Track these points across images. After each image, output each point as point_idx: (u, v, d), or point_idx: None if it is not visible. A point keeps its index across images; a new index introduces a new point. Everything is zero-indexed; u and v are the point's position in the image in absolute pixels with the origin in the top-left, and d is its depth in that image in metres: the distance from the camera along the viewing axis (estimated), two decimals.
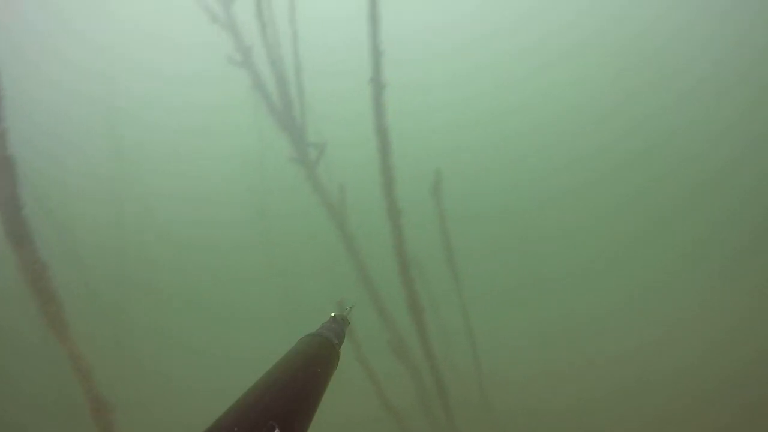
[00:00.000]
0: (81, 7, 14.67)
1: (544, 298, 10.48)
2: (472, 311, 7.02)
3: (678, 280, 10.31)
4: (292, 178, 8.01)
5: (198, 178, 14.68)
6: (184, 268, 12.94)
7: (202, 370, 9.86)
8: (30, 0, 14.59)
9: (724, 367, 7.43)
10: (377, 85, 5.84)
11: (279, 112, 7.26)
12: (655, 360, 8.06)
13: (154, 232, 13.01)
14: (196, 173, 14.91)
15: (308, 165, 7.34)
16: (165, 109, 15.89)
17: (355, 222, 6.56)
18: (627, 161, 13.43)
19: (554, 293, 10.58)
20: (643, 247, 11.66)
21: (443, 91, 15.69)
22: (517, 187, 13.78)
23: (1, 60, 4.27)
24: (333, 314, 1.55)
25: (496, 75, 15.56)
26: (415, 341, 5.92)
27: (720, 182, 12.18)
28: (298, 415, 0.96)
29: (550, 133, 14.37)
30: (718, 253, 10.75)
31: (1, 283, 6.52)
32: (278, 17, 6.68)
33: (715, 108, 13.28)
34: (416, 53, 15.27)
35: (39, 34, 14.69)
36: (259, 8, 6.44)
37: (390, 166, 5.77)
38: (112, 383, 4.64)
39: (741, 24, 13.76)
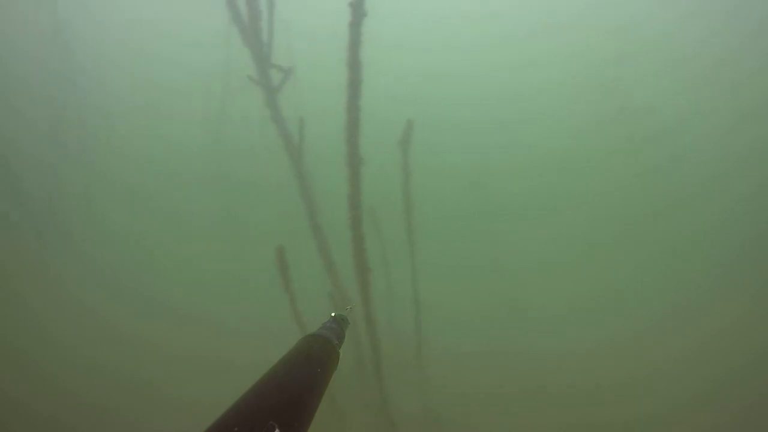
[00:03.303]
0: None
1: (498, 280, 10.17)
2: (422, 278, 6.63)
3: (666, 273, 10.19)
4: (251, 100, 7.19)
5: (154, 83, 13.38)
6: (129, 181, 12.00)
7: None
8: None
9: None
10: (357, 11, 5.03)
11: (244, 24, 6.36)
12: (619, 361, 7.96)
13: (98, 140, 11.88)
14: (154, 77, 13.59)
15: (269, 89, 6.55)
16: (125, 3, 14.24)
17: (311, 161, 5.92)
18: (598, 126, 12.94)
19: (510, 276, 10.28)
20: (627, 230, 11.37)
21: (429, 34, 14.53)
22: (491, 154, 13.22)
23: None
24: (333, 314, 1.54)
25: (493, 26, 14.50)
26: (358, 300, 5.49)
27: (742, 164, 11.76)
28: (298, 415, 0.95)
29: (541, 97, 13.70)
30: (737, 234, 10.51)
31: None
32: None
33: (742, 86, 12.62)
34: None
35: None
36: None
37: (357, 107, 5.09)
38: None
39: None
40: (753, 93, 12.18)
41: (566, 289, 9.95)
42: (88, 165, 11.44)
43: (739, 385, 7.15)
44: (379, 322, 5.57)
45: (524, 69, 14.21)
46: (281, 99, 6.51)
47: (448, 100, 12.97)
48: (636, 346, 8.31)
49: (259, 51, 6.41)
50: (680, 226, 10.80)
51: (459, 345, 8.09)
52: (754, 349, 7.61)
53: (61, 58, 11.42)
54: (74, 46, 11.65)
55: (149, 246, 10.73)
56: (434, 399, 6.93)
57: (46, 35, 11.53)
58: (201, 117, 10.62)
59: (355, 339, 6.35)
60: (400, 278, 6.97)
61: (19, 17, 12.48)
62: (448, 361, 7.68)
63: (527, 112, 13.62)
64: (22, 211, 10.02)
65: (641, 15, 13.60)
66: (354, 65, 5.06)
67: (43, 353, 7.82)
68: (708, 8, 13.46)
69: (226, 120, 10.34)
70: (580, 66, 13.68)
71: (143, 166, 12.25)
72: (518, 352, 8.23)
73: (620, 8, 13.70)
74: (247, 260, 9.27)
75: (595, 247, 11.03)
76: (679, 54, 13.28)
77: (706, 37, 13.25)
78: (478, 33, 14.42)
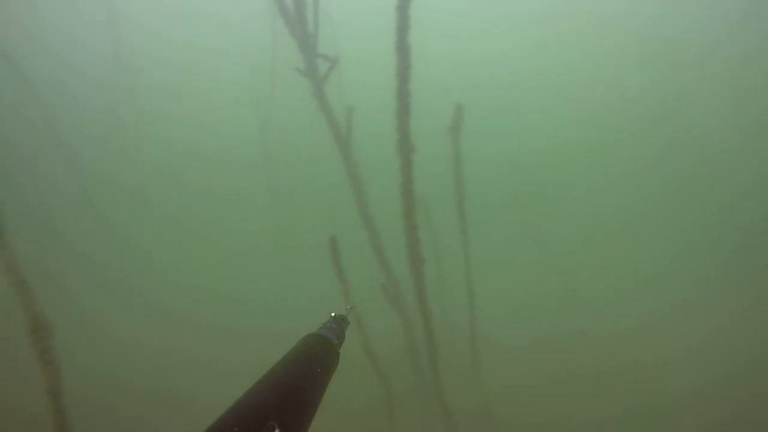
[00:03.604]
0: None
1: (554, 268, 9.78)
2: (475, 269, 6.45)
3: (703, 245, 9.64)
4: (299, 91, 7.20)
5: (201, 75, 13.63)
6: (177, 181, 12.34)
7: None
8: None
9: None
10: None
11: (290, 15, 6.33)
12: (667, 338, 7.61)
13: (149, 138, 12.26)
14: (201, 70, 13.87)
15: (316, 79, 6.51)
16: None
17: (361, 151, 5.83)
18: (660, 112, 12.26)
19: (566, 262, 9.87)
20: (670, 207, 10.82)
21: (479, 16, 14.07)
22: (540, 136, 12.73)
23: None
24: (333, 314, 1.54)
25: (541, 4, 13.83)
26: (411, 291, 5.40)
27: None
28: (298, 415, 0.94)
29: (587, 75, 13.06)
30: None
31: None
32: None
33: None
34: None
35: None
36: None
37: (407, 93, 4.95)
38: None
39: None
40: None
41: (617, 268, 9.54)
42: (142, 160, 11.81)
43: None
44: (433, 312, 5.47)
45: (573, 47, 13.60)
46: (328, 89, 6.48)
47: (497, 84, 12.55)
48: (693, 318, 7.91)
49: (305, 41, 6.38)
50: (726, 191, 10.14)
51: (514, 333, 7.88)
52: None
53: (113, 49, 11.74)
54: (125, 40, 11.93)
55: (200, 238, 11.03)
56: (490, 389, 6.79)
57: (98, 24, 11.92)
58: (249, 111, 10.73)
59: (409, 330, 6.29)
60: (453, 268, 6.82)
61: (69, 4, 12.99)
62: (503, 350, 7.50)
63: (575, 91, 13.05)
64: (87, 206, 10.52)
65: None
66: (402, 50, 4.93)
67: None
68: None
69: (273, 113, 10.41)
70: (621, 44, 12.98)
71: (191, 160, 12.59)
72: (573, 338, 7.95)
73: None
74: (297, 251, 9.37)
75: (644, 221, 10.53)
76: None
77: None
78: (527, 10, 13.87)
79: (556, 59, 13.30)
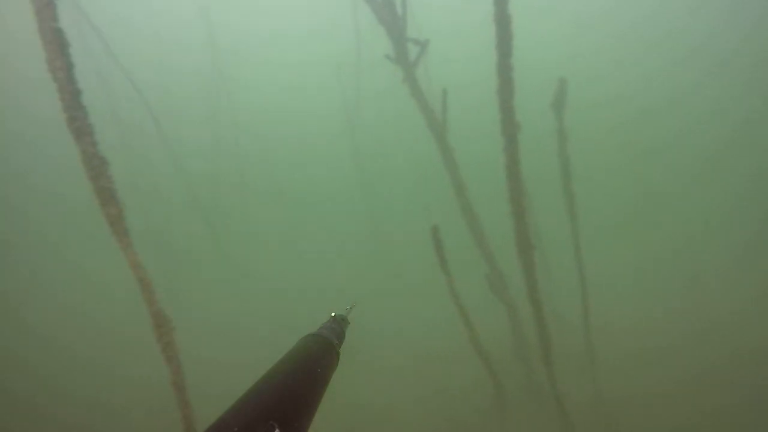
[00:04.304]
0: None
1: (675, 251, 8.74)
2: (586, 254, 5.88)
3: None
4: (388, 79, 7.01)
5: (288, 67, 13.96)
6: (271, 180, 12.73)
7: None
8: None
9: None
10: None
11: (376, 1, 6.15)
12: None
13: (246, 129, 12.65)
14: (288, 64, 14.21)
15: (406, 64, 6.28)
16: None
17: (459, 134, 5.50)
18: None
19: (689, 245, 8.80)
20: None
21: None
22: (647, 108, 11.54)
23: None
24: (333, 314, 1.53)
25: None
26: (519, 281, 5.00)
27: None
28: (298, 415, 0.95)
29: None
30: None
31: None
32: None
33: None
34: None
35: None
36: None
37: (509, 67, 4.54)
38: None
39: None
40: None
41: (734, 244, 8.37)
42: (242, 155, 12.27)
43: None
44: (545, 303, 5.04)
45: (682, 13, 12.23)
46: (419, 73, 6.22)
47: (600, 54, 11.50)
48: None
49: (393, 26, 6.17)
50: None
51: (632, 325, 7.12)
52: None
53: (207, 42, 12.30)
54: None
55: (294, 239, 11.30)
56: (608, 385, 6.19)
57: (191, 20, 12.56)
58: (338, 103, 10.73)
59: (516, 324, 5.91)
60: (561, 255, 6.29)
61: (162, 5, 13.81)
62: (620, 342, 6.81)
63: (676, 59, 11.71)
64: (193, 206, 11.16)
65: None
66: (502, 21, 4.52)
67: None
68: None
69: (362, 102, 10.29)
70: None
71: (283, 152, 12.91)
72: (702, 329, 7.03)
73: None
74: (395, 242, 9.25)
75: None
76: None
77: None
78: None
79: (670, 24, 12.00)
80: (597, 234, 7.32)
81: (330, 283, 9.20)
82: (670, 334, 6.77)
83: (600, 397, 6.09)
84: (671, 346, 6.57)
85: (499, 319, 5.74)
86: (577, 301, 6.13)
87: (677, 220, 9.32)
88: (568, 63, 9.99)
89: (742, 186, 9.92)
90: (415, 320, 7.84)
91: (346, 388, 6.82)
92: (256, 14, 15.24)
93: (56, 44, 3.48)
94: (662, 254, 8.62)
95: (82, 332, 9.13)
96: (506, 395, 5.52)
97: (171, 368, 3.50)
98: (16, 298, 10.43)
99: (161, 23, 14.43)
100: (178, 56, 13.88)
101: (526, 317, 5.37)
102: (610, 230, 8.99)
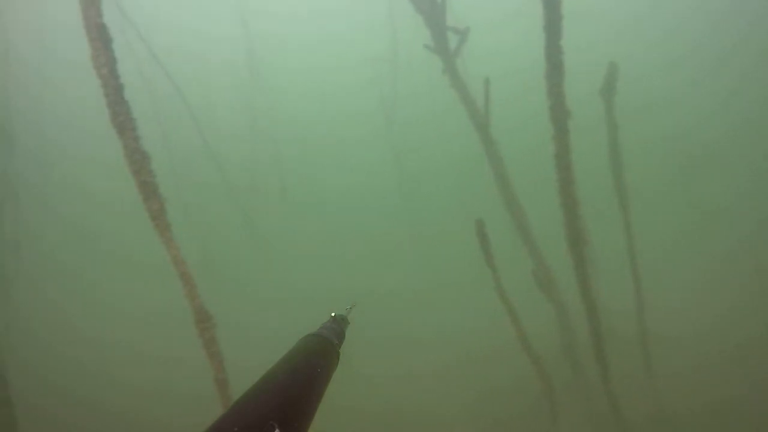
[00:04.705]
0: None
1: (736, 245, 8.14)
2: (639, 248, 5.54)
3: None
4: (426, 74, 6.82)
5: (325, 71, 13.94)
6: (311, 185, 12.69)
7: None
8: None
9: None
10: None
11: None
12: None
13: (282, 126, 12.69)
14: (324, 68, 14.20)
15: (446, 54, 6.09)
16: None
17: (503, 125, 5.26)
18: None
19: (748, 238, 8.17)
20: None
21: None
22: (698, 97, 10.89)
23: None
24: (333, 314, 1.53)
25: None
26: (569, 278, 4.74)
27: None
28: (298, 415, 0.95)
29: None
30: None
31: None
32: None
33: None
34: None
35: None
36: None
37: (559, 50, 4.29)
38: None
39: None
40: None
41: None
42: (278, 153, 12.33)
43: None
44: (599, 302, 4.77)
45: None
46: (459, 62, 6.02)
47: (652, 39, 10.91)
48: None
49: (432, 15, 5.99)
50: None
51: (689, 326, 6.68)
52: None
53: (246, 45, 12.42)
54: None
55: (334, 236, 11.25)
56: (665, 389, 5.83)
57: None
58: (376, 99, 10.60)
59: (565, 322, 5.63)
60: (613, 250, 5.96)
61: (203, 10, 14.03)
62: (677, 343, 6.40)
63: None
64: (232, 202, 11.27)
65: None
66: (551, 2, 4.28)
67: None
68: None
69: (400, 101, 10.10)
70: None
71: (320, 149, 12.88)
72: (762, 323, 6.51)
73: None
74: (439, 241, 9.05)
75: None
76: None
77: None
78: None
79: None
80: (651, 229, 6.90)
81: (372, 286, 9.08)
82: (735, 335, 6.31)
83: (658, 402, 5.75)
84: (738, 346, 6.13)
85: (547, 317, 5.48)
86: (630, 299, 5.81)
87: (737, 211, 8.72)
88: (620, 46, 9.45)
89: None
90: (460, 320, 7.64)
91: (389, 392, 6.73)
92: (292, 19, 15.33)
93: (100, 40, 3.50)
94: (722, 248, 8.08)
95: (125, 327, 9.39)
96: (555, 395, 5.26)
97: (213, 364, 3.47)
98: (53, 291, 10.83)
99: (200, 27, 14.68)
100: (216, 67, 14.07)
101: (576, 314, 5.11)
102: (666, 226, 8.48)
